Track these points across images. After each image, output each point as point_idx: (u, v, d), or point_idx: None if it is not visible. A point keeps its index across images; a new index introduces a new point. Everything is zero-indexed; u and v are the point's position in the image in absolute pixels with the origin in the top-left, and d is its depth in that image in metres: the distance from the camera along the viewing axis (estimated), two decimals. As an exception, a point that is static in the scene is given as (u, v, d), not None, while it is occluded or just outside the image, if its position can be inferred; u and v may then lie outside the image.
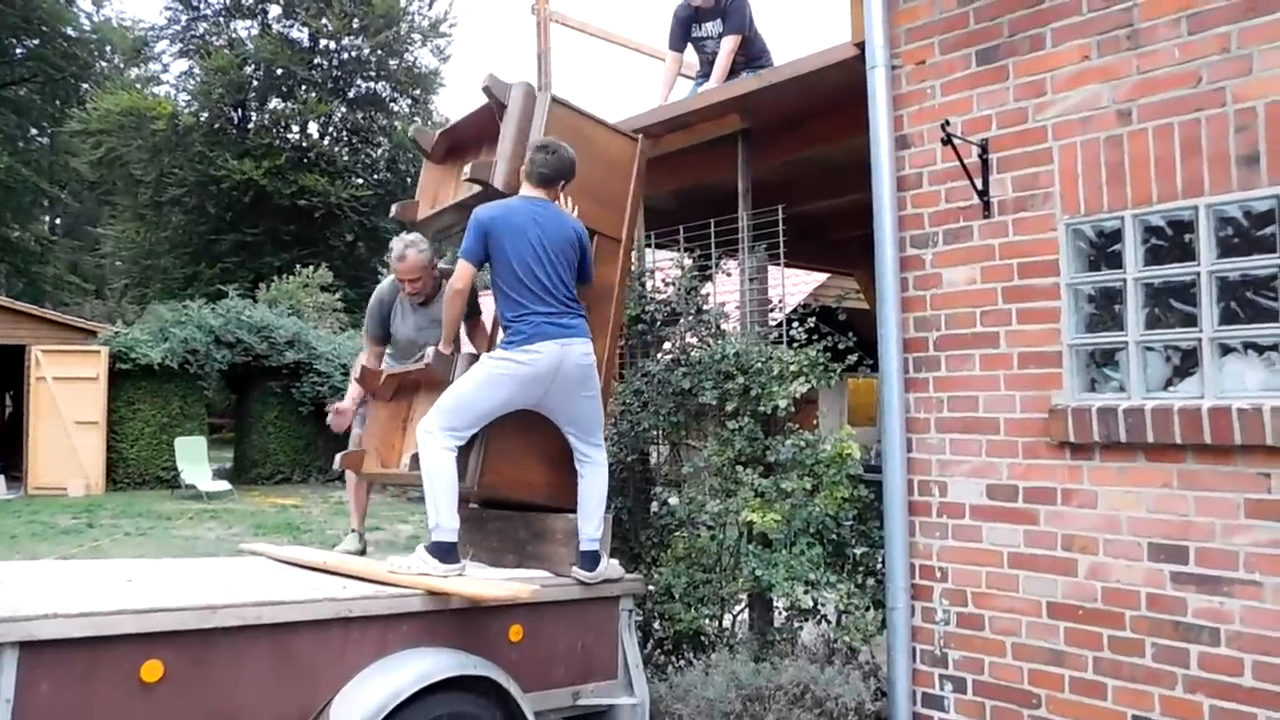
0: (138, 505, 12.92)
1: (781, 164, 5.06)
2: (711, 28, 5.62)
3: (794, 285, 9.97)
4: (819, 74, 4.13)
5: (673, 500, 4.65)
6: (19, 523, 11.07)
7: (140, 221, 29.05)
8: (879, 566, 4.01)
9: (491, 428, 3.66)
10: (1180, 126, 3.01)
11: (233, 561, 4.12)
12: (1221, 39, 2.93)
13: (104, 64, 31.66)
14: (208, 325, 16.03)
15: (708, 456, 4.34)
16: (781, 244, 4.42)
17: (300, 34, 29.13)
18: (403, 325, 4.47)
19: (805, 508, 3.97)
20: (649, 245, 5.05)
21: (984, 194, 3.47)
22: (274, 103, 29.28)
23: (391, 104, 30.87)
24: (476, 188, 3.86)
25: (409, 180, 28.04)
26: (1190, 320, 3.01)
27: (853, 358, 4.15)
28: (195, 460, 14.78)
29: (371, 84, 30.44)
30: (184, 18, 29.21)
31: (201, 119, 27.73)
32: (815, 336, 4.20)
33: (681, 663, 4.32)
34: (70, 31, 28.84)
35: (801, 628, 4.20)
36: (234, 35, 29.23)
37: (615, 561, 3.87)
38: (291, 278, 22.10)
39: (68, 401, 14.42)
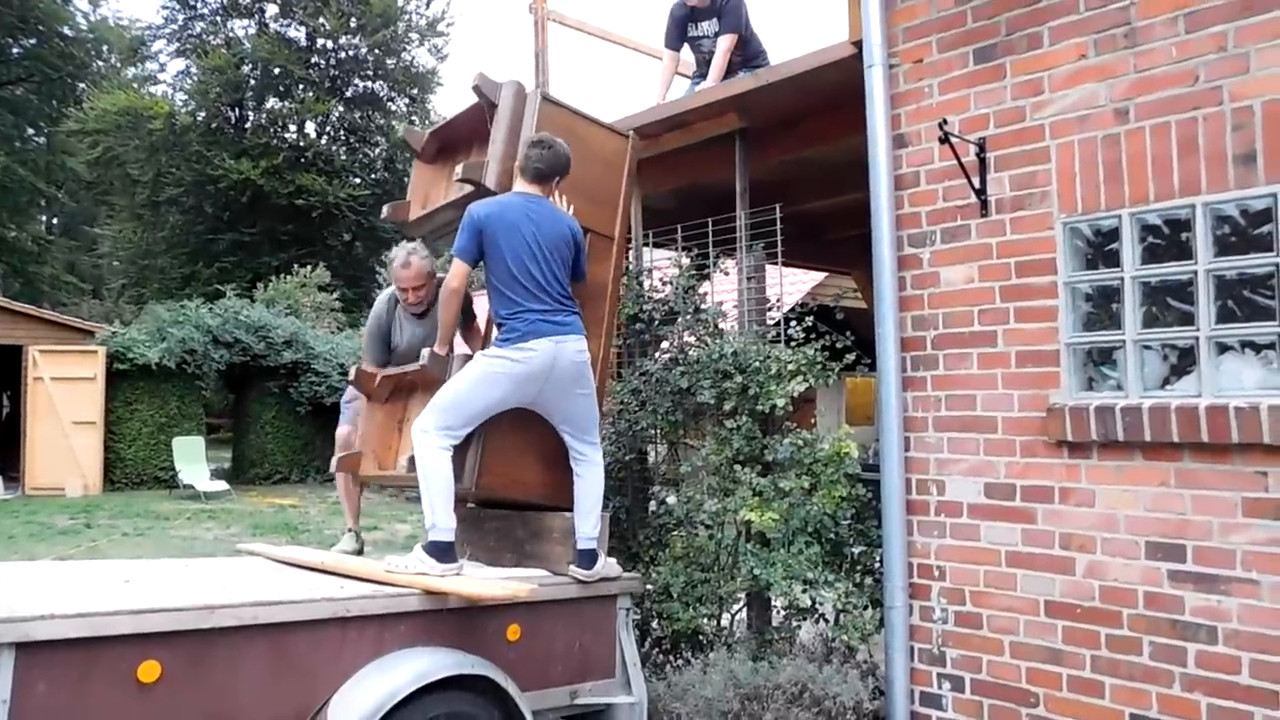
0: (135, 505, 12.90)
1: (779, 163, 5.05)
2: (707, 27, 5.62)
3: (791, 284, 9.98)
4: (816, 73, 4.13)
5: (671, 499, 4.65)
6: (16, 523, 11.06)
7: (137, 221, 29.05)
8: (877, 565, 4.02)
9: (489, 428, 3.66)
10: (1177, 125, 3.01)
11: (230, 562, 4.11)
12: (1218, 38, 2.93)
13: (101, 63, 31.62)
14: (205, 325, 16.03)
15: (706, 455, 4.34)
16: (779, 243, 4.42)
17: (297, 33, 29.13)
18: (401, 340, 4.43)
19: (803, 507, 3.98)
20: (647, 244, 5.05)
21: (981, 193, 3.47)
22: (271, 102, 29.27)
23: (389, 103, 30.87)
24: (469, 187, 3.86)
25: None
26: (1187, 319, 3.01)
27: (850, 357, 4.15)
28: (193, 460, 14.77)
29: (369, 83, 30.44)
30: (181, 17, 29.21)
31: (199, 118, 27.73)
32: (813, 335, 4.20)
33: (679, 662, 4.32)
34: (67, 31, 28.79)
35: (799, 627, 4.20)
36: (231, 34, 29.22)
37: (613, 560, 3.87)
38: (289, 277, 22.12)
39: (65, 402, 14.40)
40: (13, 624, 2.36)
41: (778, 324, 4.44)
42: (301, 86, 28.70)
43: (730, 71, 5.41)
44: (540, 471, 3.82)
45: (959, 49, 3.58)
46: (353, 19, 28.48)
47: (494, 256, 3.56)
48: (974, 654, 3.47)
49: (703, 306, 4.66)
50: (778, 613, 4.31)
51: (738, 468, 4.13)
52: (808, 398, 4.59)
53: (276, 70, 28.06)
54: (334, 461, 4.31)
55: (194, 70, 28.71)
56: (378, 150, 30.30)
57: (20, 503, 13.34)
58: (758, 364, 4.14)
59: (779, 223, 4.40)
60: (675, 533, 4.55)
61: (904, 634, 3.61)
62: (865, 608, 3.97)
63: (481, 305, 4.09)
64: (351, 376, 4.31)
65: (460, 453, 3.59)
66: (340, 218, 27.33)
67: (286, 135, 29.13)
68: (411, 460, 3.57)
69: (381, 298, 4.51)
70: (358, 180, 28.47)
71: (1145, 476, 3.07)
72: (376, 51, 29.51)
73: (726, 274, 4.85)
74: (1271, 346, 2.86)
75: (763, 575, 3.90)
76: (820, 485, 3.98)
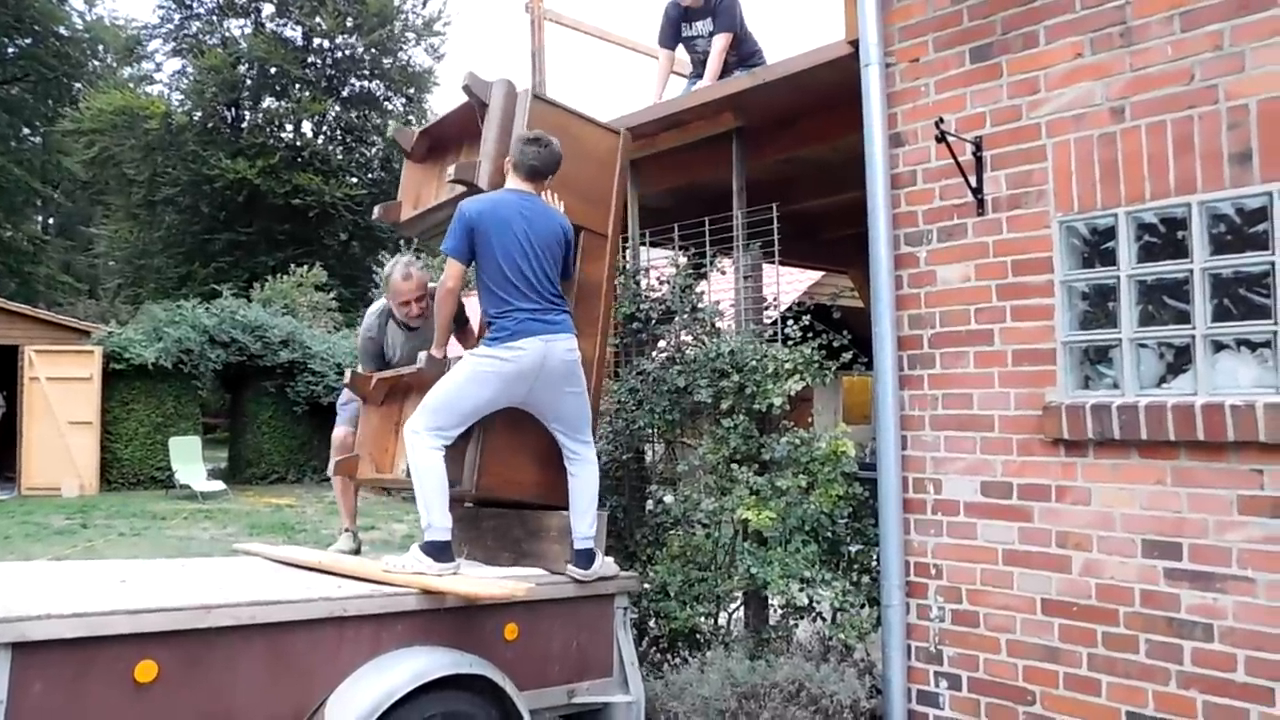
0: (132, 505, 12.89)
1: (775, 162, 5.06)
2: (702, 26, 5.61)
3: (788, 283, 9.97)
4: (813, 72, 4.13)
5: (668, 498, 4.65)
6: (12, 523, 11.04)
7: (133, 221, 29.00)
8: (874, 564, 4.02)
9: (486, 430, 3.66)
10: (1173, 124, 3.02)
11: (227, 561, 4.11)
12: (1214, 36, 2.94)
13: (96, 63, 31.59)
14: (202, 325, 16.01)
15: (703, 454, 4.34)
16: (776, 242, 4.43)
17: (294, 32, 29.09)
18: (394, 354, 4.43)
19: (800, 505, 3.98)
20: (644, 243, 5.05)
21: (978, 191, 3.47)
22: (267, 102, 29.24)
23: (385, 103, 30.84)
24: (460, 188, 3.86)
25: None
26: (1183, 317, 3.02)
27: (847, 356, 4.16)
28: (190, 460, 14.76)
29: (365, 83, 30.41)
30: (177, 16, 29.17)
31: (195, 118, 27.69)
32: (810, 334, 4.21)
33: (677, 660, 4.32)
34: (63, 30, 28.76)
35: (797, 625, 4.21)
36: (227, 34, 29.19)
37: (610, 559, 3.87)
38: (286, 277, 22.09)
39: (61, 402, 14.38)
40: (9, 624, 2.36)
41: (775, 323, 4.44)
42: (298, 86, 28.66)
43: (726, 71, 5.41)
44: (536, 471, 3.82)
45: (955, 48, 3.58)
46: (349, 18, 28.45)
47: (485, 254, 3.55)
48: (971, 652, 3.48)
49: (700, 306, 4.66)
50: (775, 611, 4.31)
51: (735, 467, 4.13)
52: (805, 397, 4.60)
53: (273, 70, 28.03)
54: (331, 465, 4.30)
55: (190, 70, 28.68)
56: (374, 150, 30.28)
57: (16, 503, 13.32)
58: (755, 363, 4.15)
59: (775, 222, 4.40)
60: (672, 532, 4.55)
61: (901, 632, 3.62)
62: (862, 606, 3.97)
63: (473, 307, 4.08)
64: (346, 380, 4.31)
65: (458, 455, 3.59)
66: (337, 217, 27.30)
67: (283, 135, 29.11)
68: None
69: (372, 312, 4.50)
70: (354, 180, 28.45)
71: (1141, 474, 3.07)
72: (373, 51, 29.48)
73: (723, 273, 4.85)
74: (1267, 344, 2.87)
75: (760, 574, 3.90)
76: (817, 484, 3.98)
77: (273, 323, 16.91)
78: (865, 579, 4.12)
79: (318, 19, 27.92)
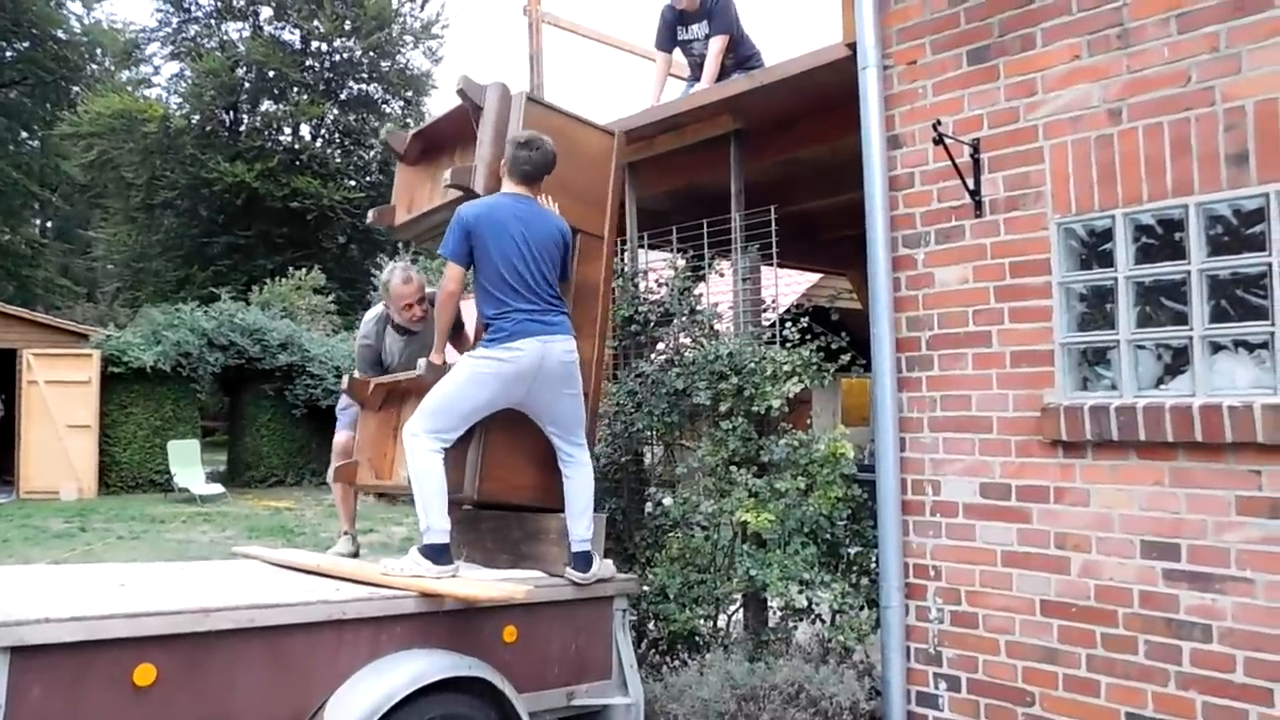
0: (131, 509, 12.87)
1: (774, 164, 5.06)
2: (698, 29, 5.62)
3: (787, 285, 9.96)
4: (810, 74, 4.14)
5: (667, 501, 4.65)
6: (11, 527, 11.02)
7: (132, 224, 28.99)
8: (873, 566, 4.02)
9: (486, 434, 3.66)
10: (1170, 125, 3.02)
11: (226, 565, 4.11)
12: (1211, 38, 2.94)
13: (95, 67, 31.58)
14: (200, 328, 16.01)
15: (701, 457, 4.34)
16: (774, 244, 4.43)
17: (292, 36, 29.10)
18: (392, 360, 4.44)
19: (799, 508, 3.98)
20: (642, 246, 5.06)
21: (975, 193, 3.47)
22: (266, 105, 29.25)
23: (384, 106, 30.84)
24: (456, 192, 3.86)
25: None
26: (1181, 318, 3.02)
27: (846, 358, 4.16)
28: (188, 463, 14.75)
29: (363, 86, 30.43)
30: (175, 20, 29.18)
31: (193, 121, 27.69)
32: (808, 336, 4.21)
33: (676, 663, 4.32)
34: (60, 34, 28.77)
35: (796, 627, 4.20)
36: (225, 37, 29.20)
37: (609, 562, 3.87)
38: (284, 280, 22.08)
39: (60, 405, 14.37)
40: (7, 628, 2.36)
41: (773, 325, 4.44)
42: (296, 89, 28.67)
43: (724, 73, 5.41)
44: (536, 475, 3.83)
45: (952, 50, 3.58)
46: (347, 21, 28.46)
47: (483, 257, 3.56)
48: (970, 654, 3.48)
49: (698, 308, 4.66)
50: (774, 613, 4.31)
51: (734, 469, 4.13)
52: (803, 399, 4.60)
53: (271, 73, 28.05)
54: (331, 472, 4.30)
55: (188, 73, 28.68)
56: (373, 153, 30.27)
57: (15, 506, 13.30)
58: (753, 365, 4.15)
59: (774, 224, 4.41)
60: (671, 534, 4.55)
61: (900, 634, 3.61)
62: (861, 608, 3.97)
63: (467, 312, 4.09)
64: (344, 385, 4.31)
65: (460, 461, 3.59)
66: (335, 220, 27.31)
67: (281, 138, 29.11)
68: None
69: (369, 319, 4.52)
70: (352, 183, 28.45)
71: (1140, 476, 3.07)
72: (371, 54, 29.50)
73: (722, 275, 4.85)
74: (1265, 345, 2.87)
75: (759, 576, 3.90)
76: (816, 486, 3.98)
77: (271, 326, 16.91)
78: (864, 581, 4.12)
79: (315, 22, 27.92)
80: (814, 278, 10.41)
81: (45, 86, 28.73)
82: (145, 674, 2.54)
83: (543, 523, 3.87)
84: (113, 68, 31.54)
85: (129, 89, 29.39)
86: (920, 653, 3.61)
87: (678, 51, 5.85)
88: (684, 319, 4.66)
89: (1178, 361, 3.05)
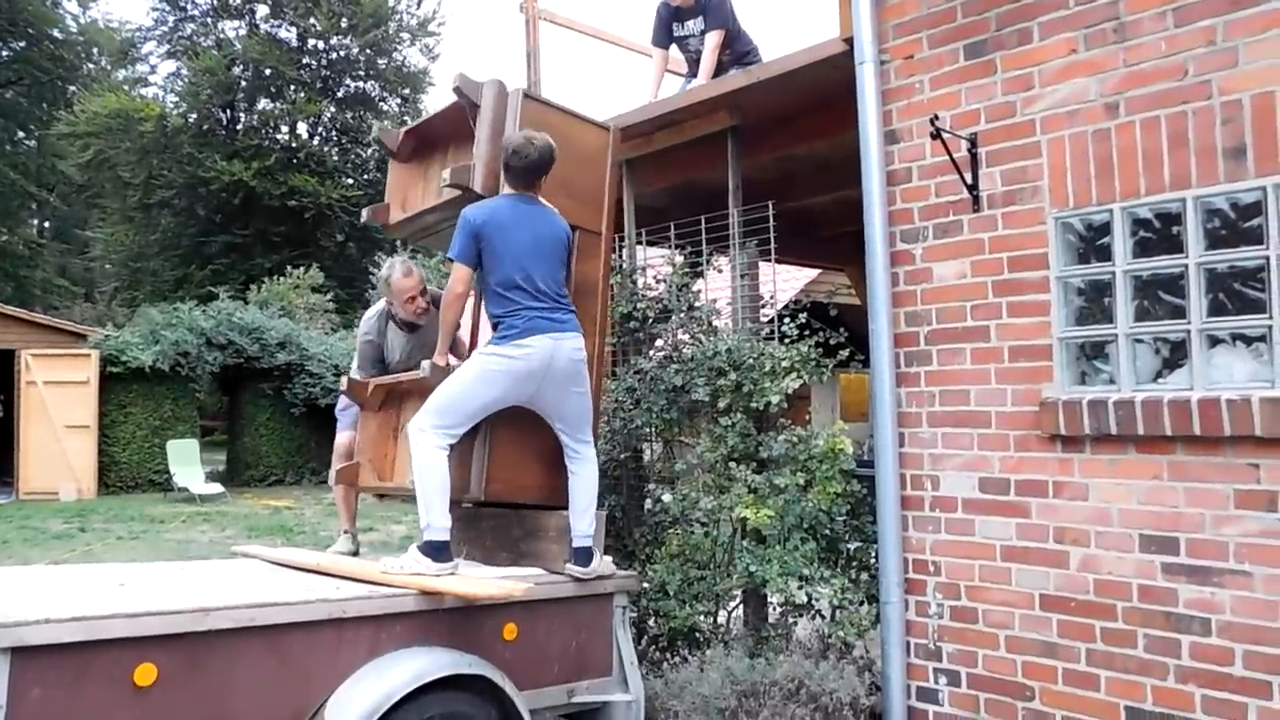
0: (130, 509, 12.87)
1: (771, 160, 5.06)
2: (694, 25, 5.61)
3: (785, 281, 9.97)
4: (808, 70, 4.13)
5: (666, 497, 4.65)
6: (10, 528, 11.02)
7: (129, 224, 28.95)
8: (872, 561, 4.02)
9: (493, 434, 3.65)
10: (1167, 119, 3.02)
11: (226, 564, 4.10)
12: (1208, 32, 2.94)
13: (91, 66, 31.54)
14: (199, 327, 16.00)
15: (701, 453, 4.34)
16: (772, 240, 4.42)
17: (288, 34, 29.05)
18: (393, 357, 4.44)
19: (798, 503, 3.98)
20: (640, 242, 5.05)
21: (973, 188, 3.47)
22: (262, 103, 29.20)
23: (381, 103, 30.81)
24: (453, 191, 3.85)
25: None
26: (1179, 312, 3.02)
27: (844, 353, 4.16)
28: (188, 463, 14.74)
29: (360, 83, 30.38)
30: (171, 18, 29.12)
31: (190, 120, 27.64)
32: (807, 332, 4.21)
33: (676, 659, 4.32)
34: (57, 34, 28.73)
35: (796, 623, 4.21)
36: (222, 36, 29.14)
37: (609, 559, 3.87)
38: (282, 279, 22.06)
39: (58, 405, 14.36)
40: (7, 629, 2.35)
41: (772, 321, 4.44)
42: (293, 87, 28.62)
43: (721, 69, 5.40)
44: (542, 474, 3.82)
45: (949, 45, 3.58)
46: (343, 19, 28.41)
47: (491, 259, 3.57)
48: (970, 648, 3.48)
49: (697, 304, 4.66)
50: (774, 609, 4.31)
51: (733, 465, 4.14)
52: (802, 394, 4.60)
53: (267, 71, 28.00)
54: (332, 474, 4.29)
55: (185, 72, 28.61)
56: (370, 151, 30.22)
57: (14, 507, 13.30)
58: (752, 361, 4.15)
59: (772, 219, 4.40)
60: (671, 530, 4.55)
61: (900, 629, 3.62)
62: (861, 603, 3.98)
63: (464, 316, 4.09)
64: (343, 386, 4.30)
65: (466, 461, 3.59)
66: (333, 219, 27.28)
67: (278, 136, 29.06)
68: None
69: (370, 316, 4.51)
70: (350, 181, 28.40)
71: (1138, 470, 3.08)
72: (368, 52, 29.45)
73: (720, 271, 4.85)
74: (1262, 339, 2.87)
75: (758, 572, 3.90)
76: (815, 482, 3.98)
77: (270, 325, 16.90)
78: (864, 576, 4.12)
79: (312, 20, 27.87)
80: (812, 273, 10.41)
81: (42, 86, 28.68)
82: (146, 674, 2.54)
83: (542, 520, 3.87)
84: (109, 67, 31.48)
85: (125, 88, 29.34)
86: (920, 648, 3.62)
87: (674, 48, 5.84)
88: (682, 315, 4.66)
89: (1176, 355, 3.06)
